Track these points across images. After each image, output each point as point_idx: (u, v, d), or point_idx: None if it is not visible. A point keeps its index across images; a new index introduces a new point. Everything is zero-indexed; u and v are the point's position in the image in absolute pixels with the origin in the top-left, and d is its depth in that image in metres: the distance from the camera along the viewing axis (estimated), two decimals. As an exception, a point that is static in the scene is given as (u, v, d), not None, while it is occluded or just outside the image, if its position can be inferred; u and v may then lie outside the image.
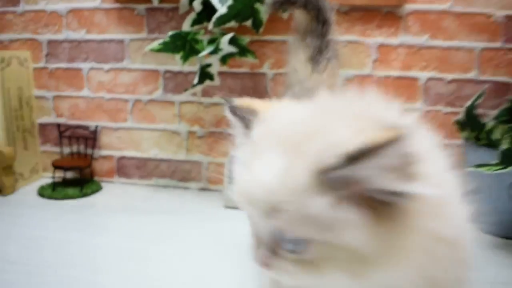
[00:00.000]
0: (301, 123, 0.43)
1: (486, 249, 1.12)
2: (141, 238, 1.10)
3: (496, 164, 1.01)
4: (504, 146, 0.97)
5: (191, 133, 1.49)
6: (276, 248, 0.42)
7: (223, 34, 1.24)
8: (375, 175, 0.37)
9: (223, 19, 1.21)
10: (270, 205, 0.40)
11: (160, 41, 1.27)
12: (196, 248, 1.05)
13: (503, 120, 1.22)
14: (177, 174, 1.52)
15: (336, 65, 0.87)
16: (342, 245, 0.39)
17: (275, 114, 0.46)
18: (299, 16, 0.89)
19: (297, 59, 0.85)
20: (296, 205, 0.39)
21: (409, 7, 1.34)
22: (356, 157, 0.37)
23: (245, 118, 0.48)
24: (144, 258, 0.99)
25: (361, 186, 0.38)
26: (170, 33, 1.25)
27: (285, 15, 1.36)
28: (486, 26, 1.34)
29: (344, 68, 1.38)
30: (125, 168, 1.54)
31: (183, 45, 1.29)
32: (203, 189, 1.51)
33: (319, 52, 0.84)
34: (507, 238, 1.19)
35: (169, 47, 1.28)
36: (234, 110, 0.50)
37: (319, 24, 0.86)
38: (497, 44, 1.35)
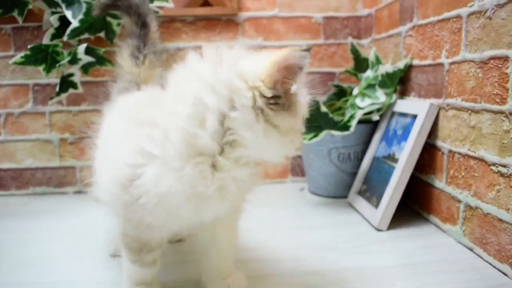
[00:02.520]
0: None
1: (316, 207, 1.35)
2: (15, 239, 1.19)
3: (307, 133, 1.24)
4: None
5: (62, 140, 1.60)
6: None
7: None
8: (291, 79, 0.61)
9: (76, 31, 1.36)
10: None
11: (22, 54, 1.38)
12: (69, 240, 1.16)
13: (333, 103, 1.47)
14: (53, 180, 1.62)
15: (155, 60, 1.04)
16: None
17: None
18: (125, 20, 1.07)
19: (122, 56, 1.02)
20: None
21: (244, 14, 1.58)
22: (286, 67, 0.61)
23: None
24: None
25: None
26: (30, 46, 1.37)
27: (138, 27, 1.53)
28: (308, 26, 1.61)
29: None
30: (1, 180, 1.62)
31: (45, 57, 1.42)
32: (78, 192, 1.62)
33: (138, 50, 1.02)
34: (333, 197, 1.43)
35: (31, 60, 1.40)
36: None
37: (138, 27, 1.03)
38: (320, 41, 1.62)
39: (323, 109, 1.17)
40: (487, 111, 0.91)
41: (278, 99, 0.62)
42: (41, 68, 1.43)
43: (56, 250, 1.06)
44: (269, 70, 0.61)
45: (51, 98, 1.46)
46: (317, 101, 1.17)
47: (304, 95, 0.66)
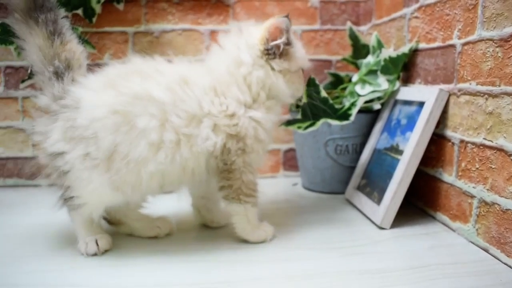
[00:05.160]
0: None
1: (310, 203, 1.24)
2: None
3: (302, 121, 1.12)
4: (303, 100, 1.08)
5: (36, 128, 1.47)
6: None
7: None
8: (279, 36, 0.90)
9: (50, 8, 1.23)
10: None
11: (-10, 32, 1.25)
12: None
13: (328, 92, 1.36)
14: (25, 172, 1.49)
15: (72, 37, 0.92)
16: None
17: None
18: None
19: (37, 38, 0.87)
20: None
21: (235, -5, 1.46)
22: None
23: None
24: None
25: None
26: (-1, 23, 1.24)
27: (120, 7, 1.41)
28: (304, 10, 1.50)
29: (181, 55, 1.46)
30: (-32, 171, 1.48)
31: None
32: (53, 185, 1.48)
33: (55, 28, 0.89)
34: (329, 193, 1.32)
35: (0, 39, 1.27)
36: None
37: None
38: (316, 27, 1.51)
39: (323, 94, 1.06)
40: (508, 94, 0.81)
41: (271, 50, 0.90)
42: (12, 47, 1.30)
43: (23, 247, 0.94)
44: (262, 33, 0.90)
45: (22, 81, 1.34)
46: (317, 84, 1.06)
47: (297, 47, 0.94)
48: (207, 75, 0.88)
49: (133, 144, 0.81)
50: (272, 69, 0.90)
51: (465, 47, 0.94)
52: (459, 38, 0.96)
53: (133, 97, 0.82)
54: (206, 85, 0.87)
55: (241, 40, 0.91)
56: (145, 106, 0.82)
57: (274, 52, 0.89)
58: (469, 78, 0.93)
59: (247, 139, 0.87)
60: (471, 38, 0.92)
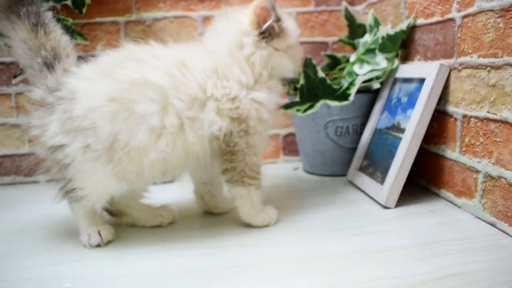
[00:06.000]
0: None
1: (313, 186, 1.22)
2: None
3: (301, 103, 1.11)
4: (301, 82, 1.07)
5: (31, 124, 1.44)
6: None
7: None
8: (269, 16, 0.88)
9: (39, -1, 1.21)
10: None
11: (-22, 27, 1.22)
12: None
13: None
14: (23, 169, 1.47)
15: (55, 28, 0.89)
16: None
17: None
18: None
19: (20, 32, 0.85)
20: None
21: (227, -20, 1.43)
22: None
23: None
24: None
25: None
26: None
27: (110, -4, 1.39)
28: (298, -8, 1.47)
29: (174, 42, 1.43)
30: (-36, 170, 1.46)
31: (6, 31, 1.26)
32: (52, 180, 1.47)
33: (38, 19, 0.86)
34: (331, 175, 1.31)
35: (-12, 34, 1.25)
36: None
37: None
38: (310, 8, 1.49)
39: (321, 74, 1.05)
40: (511, 65, 0.79)
41: (266, 33, 0.89)
42: (1, 43, 1.27)
43: (25, 243, 0.92)
44: (250, 17, 0.88)
45: (15, 77, 1.31)
46: (314, 65, 1.04)
47: (289, 23, 0.92)
48: (206, 58, 0.86)
49: (132, 131, 0.79)
50: (276, 49, 0.90)
51: (465, 20, 0.92)
52: (458, 11, 0.94)
53: (130, 84, 0.80)
54: (206, 67, 0.85)
55: (235, 26, 0.90)
56: (143, 91, 0.80)
57: (270, 33, 0.89)
58: (470, 52, 0.91)
59: (249, 121, 0.86)
60: (470, 10, 0.90)
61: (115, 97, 0.79)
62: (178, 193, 1.02)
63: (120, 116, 0.79)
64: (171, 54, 0.86)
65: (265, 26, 0.87)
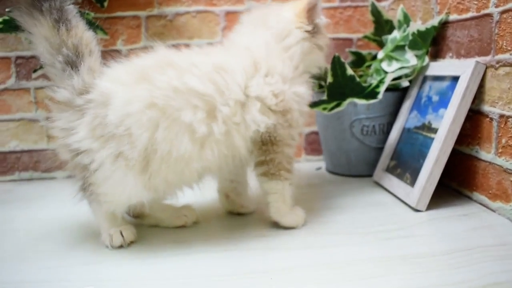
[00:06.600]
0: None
1: (338, 187, 1.19)
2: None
3: (328, 102, 1.07)
4: (329, 80, 1.03)
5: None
6: None
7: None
8: (315, 14, 0.93)
9: (60, -7, 1.18)
10: None
11: (0, 19, 1.20)
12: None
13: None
14: (41, 164, 1.45)
15: (78, 23, 0.85)
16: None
17: None
18: None
19: (42, 28, 0.82)
20: None
21: (250, -26, 1.40)
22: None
23: None
24: None
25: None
26: (9, 9, 1.19)
27: (131, -10, 1.36)
28: (322, -13, 1.43)
29: (196, 38, 1.41)
30: (-17, 165, 1.45)
31: (26, 25, 1.24)
32: (70, 177, 1.45)
33: (60, 15, 0.83)
34: (356, 176, 1.27)
35: (11, 26, 1.22)
36: None
37: None
38: (335, 4, 1.45)
39: (349, 72, 1.01)
40: (557, 63, 0.74)
41: (314, 28, 0.92)
42: (22, 37, 1.25)
43: (43, 242, 0.90)
44: (302, 14, 0.92)
45: (35, 71, 1.29)
46: (343, 63, 1.00)
47: (322, 20, 0.95)
48: (243, 56, 0.85)
49: (175, 140, 0.76)
50: (316, 45, 0.93)
51: (504, 15, 0.88)
52: (497, 6, 0.90)
53: (172, 91, 0.77)
54: (246, 66, 0.83)
55: (285, 19, 0.92)
56: (187, 99, 0.77)
57: (315, 30, 0.92)
58: (509, 49, 0.87)
59: (293, 113, 0.86)
60: (510, 5, 0.86)
61: (155, 103, 0.76)
62: (194, 194, 0.98)
63: (161, 125, 0.76)
64: (207, 60, 0.82)
65: (318, 21, 0.93)
